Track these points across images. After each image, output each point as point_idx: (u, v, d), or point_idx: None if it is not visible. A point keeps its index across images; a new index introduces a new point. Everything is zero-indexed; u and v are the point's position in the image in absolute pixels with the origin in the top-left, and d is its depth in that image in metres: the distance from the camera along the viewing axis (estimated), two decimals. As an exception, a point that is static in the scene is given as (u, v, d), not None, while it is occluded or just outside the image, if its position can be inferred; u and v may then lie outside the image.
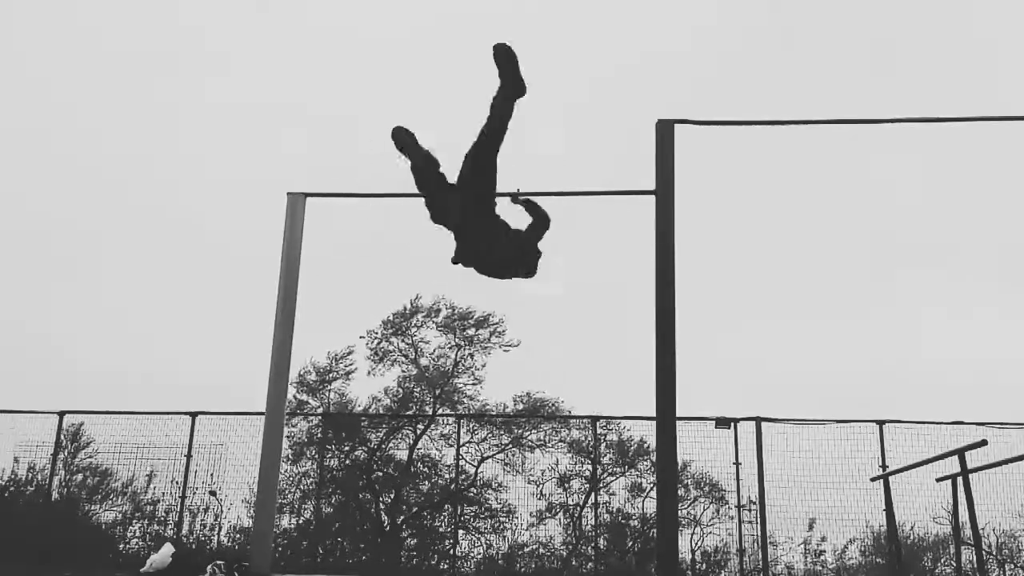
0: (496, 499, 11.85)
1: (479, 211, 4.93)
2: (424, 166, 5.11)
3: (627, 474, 11.76)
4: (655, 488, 7.60)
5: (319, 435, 12.26)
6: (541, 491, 11.77)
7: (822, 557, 11.26)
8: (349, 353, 12.76)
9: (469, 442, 12.13)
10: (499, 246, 4.97)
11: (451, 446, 12.06)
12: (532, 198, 5.49)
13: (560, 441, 12.06)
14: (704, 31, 21.71)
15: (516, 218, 5.33)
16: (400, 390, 12.58)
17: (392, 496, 12.21)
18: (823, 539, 11.21)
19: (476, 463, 12.05)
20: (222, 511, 11.69)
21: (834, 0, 21.15)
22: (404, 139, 5.17)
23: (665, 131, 5.70)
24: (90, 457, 12.13)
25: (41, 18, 21.45)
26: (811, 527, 11.13)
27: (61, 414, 12.27)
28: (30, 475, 12.12)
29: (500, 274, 5.14)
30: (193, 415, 11.93)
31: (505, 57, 4.76)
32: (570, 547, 11.57)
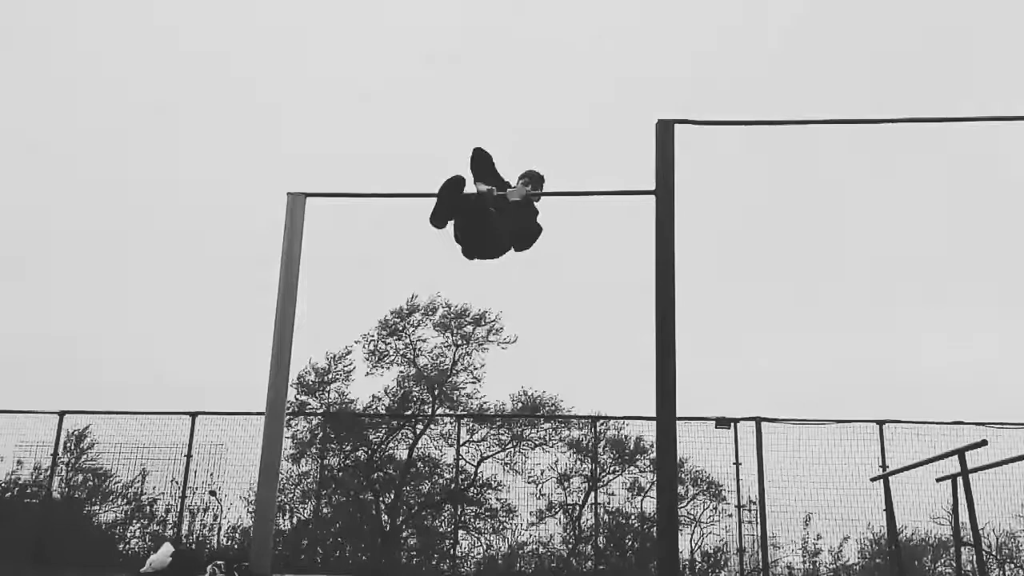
0: (496, 499, 11.85)
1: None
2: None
3: (626, 472, 11.75)
4: (655, 487, 7.57)
5: (319, 434, 12.25)
6: (541, 490, 11.77)
7: (820, 556, 11.25)
8: (347, 354, 12.76)
9: (469, 441, 12.12)
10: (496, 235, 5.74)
11: (451, 446, 12.06)
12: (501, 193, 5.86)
13: (559, 440, 12.05)
14: (705, 31, 21.71)
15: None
16: (399, 389, 12.56)
17: (392, 496, 12.19)
18: (818, 537, 11.21)
19: (476, 463, 12.05)
20: (222, 511, 11.68)
21: (834, 0, 21.15)
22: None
23: (665, 131, 5.70)
24: (91, 460, 12.12)
25: (42, 18, 21.46)
26: (807, 524, 11.13)
27: (61, 414, 12.26)
28: (30, 475, 12.12)
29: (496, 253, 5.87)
30: (193, 415, 11.93)
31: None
32: (570, 546, 11.56)
